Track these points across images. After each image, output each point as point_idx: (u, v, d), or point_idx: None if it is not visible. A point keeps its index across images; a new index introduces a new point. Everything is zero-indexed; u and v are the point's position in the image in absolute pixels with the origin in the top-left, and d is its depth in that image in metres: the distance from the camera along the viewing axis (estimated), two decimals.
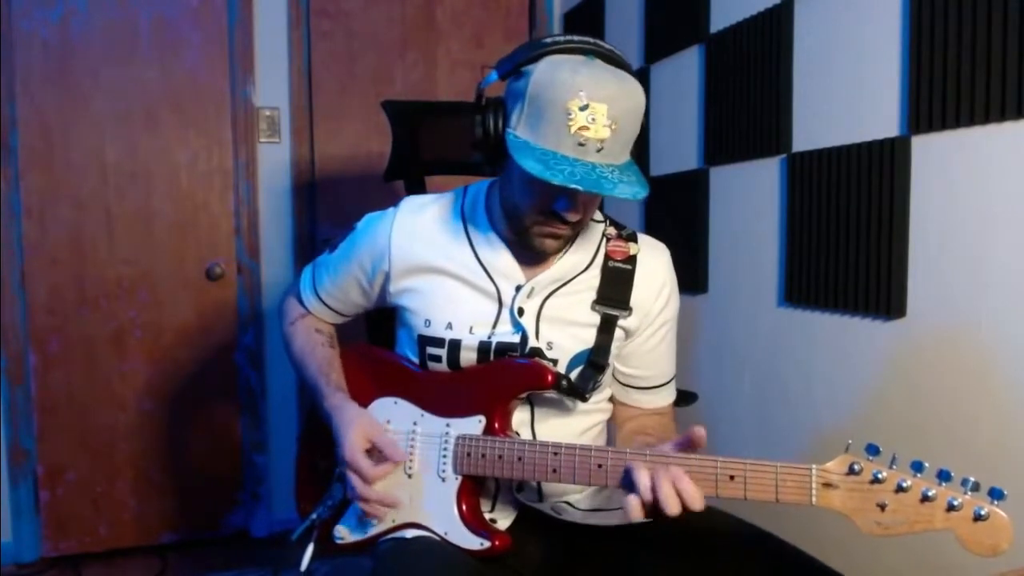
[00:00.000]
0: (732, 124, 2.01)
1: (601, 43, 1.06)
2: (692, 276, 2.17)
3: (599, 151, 0.99)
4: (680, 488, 0.93)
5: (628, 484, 0.98)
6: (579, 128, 0.98)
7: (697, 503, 0.93)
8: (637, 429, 1.26)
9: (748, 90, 1.94)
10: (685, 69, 2.23)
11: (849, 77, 1.64)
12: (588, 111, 0.97)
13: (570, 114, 0.98)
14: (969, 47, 1.34)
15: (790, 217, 1.81)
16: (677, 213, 2.26)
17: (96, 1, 2.53)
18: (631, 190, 0.99)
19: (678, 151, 2.28)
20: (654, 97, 2.40)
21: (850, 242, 1.63)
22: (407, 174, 1.93)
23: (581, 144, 0.98)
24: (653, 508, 0.95)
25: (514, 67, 1.05)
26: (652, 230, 2.39)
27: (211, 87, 2.67)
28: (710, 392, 2.08)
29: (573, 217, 1.06)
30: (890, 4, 1.53)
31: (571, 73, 0.99)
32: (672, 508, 0.93)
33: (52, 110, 2.52)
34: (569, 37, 1.05)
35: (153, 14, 2.59)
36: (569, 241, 1.15)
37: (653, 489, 0.94)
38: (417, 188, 1.92)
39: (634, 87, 1.02)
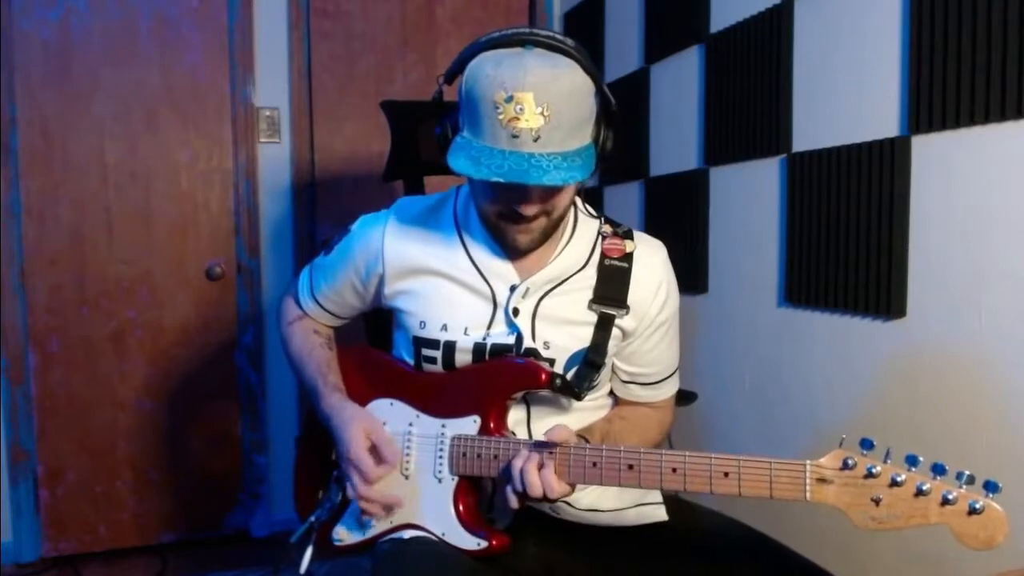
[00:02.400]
0: (732, 124, 2.01)
1: (538, 31, 1.04)
2: (692, 276, 2.16)
3: (536, 140, 0.98)
4: (542, 475, 1.01)
5: (506, 475, 1.05)
6: (510, 120, 0.98)
7: (535, 489, 1.01)
8: (616, 415, 1.26)
9: (748, 90, 1.94)
10: (685, 69, 2.23)
11: (849, 77, 1.64)
12: (514, 102, 0.97)
13: (498, 107, 0.98)
14: (969, 47, 1.34)
15: (790, 217, 1.81)
16: (677, 213, 2.25)
17: (96, 1, 2.53)
18: (562, 176, 0.98)
19: (678, 151, 2.28)
20: (654, 97, 2.40)
21: (850, 242, 1.62)
22: (406, 174, 1.93)
23: (515, 136, 0.98)
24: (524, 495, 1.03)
25: (455, 70, 1.07)
26: (652, 230, 2.38)
27: (211, 87, 2.67)
28: (710, 392, 2.08)
29: (528, 211, 1.05)
30: (890, 4, 1.52)
31: (494, 67, 0.99)
32: (534, 491, 1.01)
33: (52, 110, 2.52)
34: (503, 31, 1.05)
35: (153, 14, 2.59)
36: (547, 233, 1.12)
37: (521, 475, 1.01)
38: (416, 188, 1.92)
39: (567, 70, 1.01)
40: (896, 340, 1.55)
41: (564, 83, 0.99)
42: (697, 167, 2.19)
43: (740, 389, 2.04)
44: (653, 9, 2.39)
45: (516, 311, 1.15)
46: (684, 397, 1.69)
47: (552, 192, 1.06)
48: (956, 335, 1.41)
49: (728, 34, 2.01)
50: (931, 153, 1.45)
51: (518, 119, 0.97)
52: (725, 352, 2.10)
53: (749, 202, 1.98)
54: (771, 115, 1.86)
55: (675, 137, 2.29)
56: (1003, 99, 1.29)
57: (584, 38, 2.86)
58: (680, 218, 2.23)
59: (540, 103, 0.97)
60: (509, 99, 0.97)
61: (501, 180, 0.97)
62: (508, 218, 1.08)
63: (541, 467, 1.01)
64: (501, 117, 0.98)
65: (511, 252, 1.15)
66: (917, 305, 1.50)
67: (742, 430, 2.04)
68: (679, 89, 2.27)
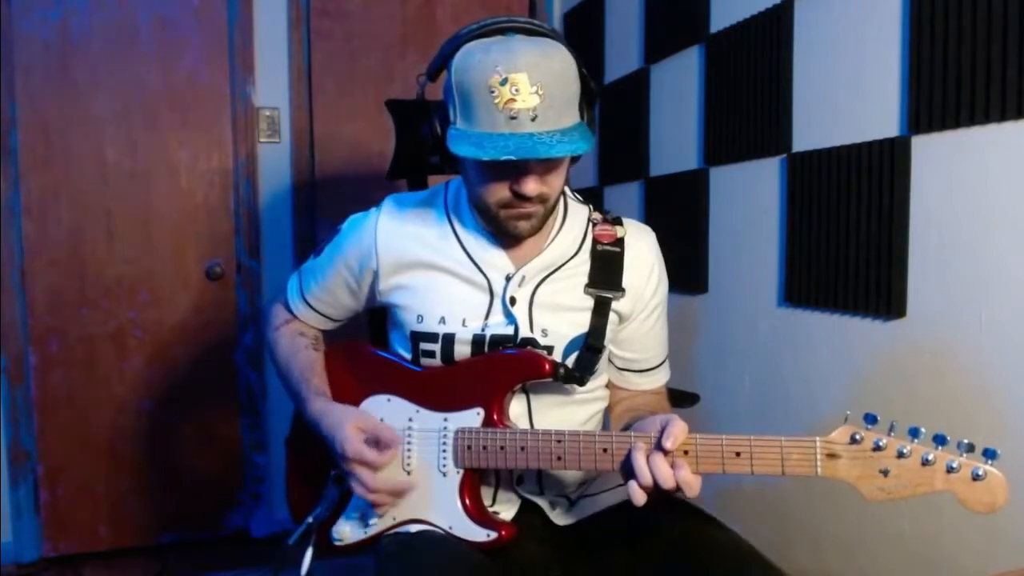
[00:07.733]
0: (732, 124, 2.01)
1: (517, 18, 1.07)
2: (692, 276, 2.17)
3: (534, 120, 1.00)
4: (675, 468, 0.96)
5: (627, 469, 1.00)
6: (506, 102, 0.99)
7: (668, 482, 0.96)
8: (629, 408, 1.27)
9: (748, 90, 1.94)
10: (685, 69, 2.23)
11: (849, 77, 1.64)
12: (509, 84, 0.99)
13: (492, 91, 0.99)
14: (969, 47, 1.34)
15: (790, 217, 1.81)
16: (677, 213, 2.25)
17: (96, 1, 2.53)
18: (569, 147, 1.00)
19: (678, 151, 2.28)
20: (654, 97, 2.40)
21: (850, 242, 1.62)
22: (410, 173, 1.93)
23: (513, 118, 0.99)
24: (655, 489, 0.97)
25: (439, 65, 1.08)
26: (653, 230, 2.38)
27: (211, 87, 2.67)
28: (710, 392, 2.08)
29: (532, 190, 1.05)
30: (890, 4, 1.53)
31: (483, 53, 1.01)
32: (668, 483, 0.96)
33: (52, 110, 2.52)
34: (483, 22, 1.06)
35: (153, 14, 2.59)
36: (544, 218, 1.13)
37: (650, 469, 0.96)
38: (420, 187, 1.92)
39: (554, 50, 1.03)
40: (896, 340, 1.55)
41: (554, 62, 1.02)
42: (697, 167, 2.19)
43: (740, 389, 2.04)
44: (653, 9, 2.39)
45: (513, 300, 1.15)
46: (685, 398, 1.69)
47: (550, 170, 1.07)
48: (956, 335, 1.41)
49: (728, 34, 2.02)
50: (931, 153, 1.45)
51: (514, 100, 0.99)
52: (725, 352, 2.10)
53: (749, 202, 1.98)
54: (771, 115, 1.86)
55: (675, 137, 2.29)
56: (1003, 99, 1.29)
57: (584, 38, 2.87)
58: (680, 218, 2.23)
59: (534, 83, 0.99)
60: (504, 81, 0.98)
61: (512, 158, 0.98)
62: (509, 205, 1.08)
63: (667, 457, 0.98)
64: (497, 101, 0.99)
65: (508, 241, 1.16)
66: (917, 305, 1.50)
67: (742, 430, 2.03)
68: (679, 89, 2.27)
